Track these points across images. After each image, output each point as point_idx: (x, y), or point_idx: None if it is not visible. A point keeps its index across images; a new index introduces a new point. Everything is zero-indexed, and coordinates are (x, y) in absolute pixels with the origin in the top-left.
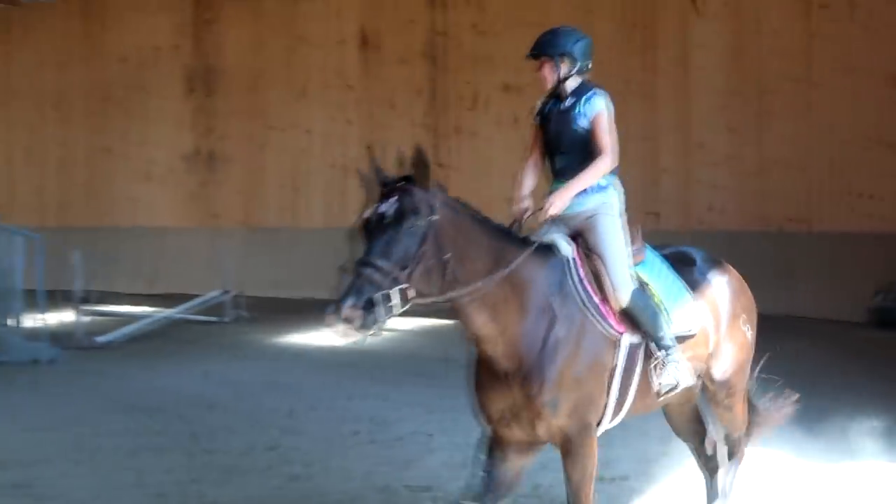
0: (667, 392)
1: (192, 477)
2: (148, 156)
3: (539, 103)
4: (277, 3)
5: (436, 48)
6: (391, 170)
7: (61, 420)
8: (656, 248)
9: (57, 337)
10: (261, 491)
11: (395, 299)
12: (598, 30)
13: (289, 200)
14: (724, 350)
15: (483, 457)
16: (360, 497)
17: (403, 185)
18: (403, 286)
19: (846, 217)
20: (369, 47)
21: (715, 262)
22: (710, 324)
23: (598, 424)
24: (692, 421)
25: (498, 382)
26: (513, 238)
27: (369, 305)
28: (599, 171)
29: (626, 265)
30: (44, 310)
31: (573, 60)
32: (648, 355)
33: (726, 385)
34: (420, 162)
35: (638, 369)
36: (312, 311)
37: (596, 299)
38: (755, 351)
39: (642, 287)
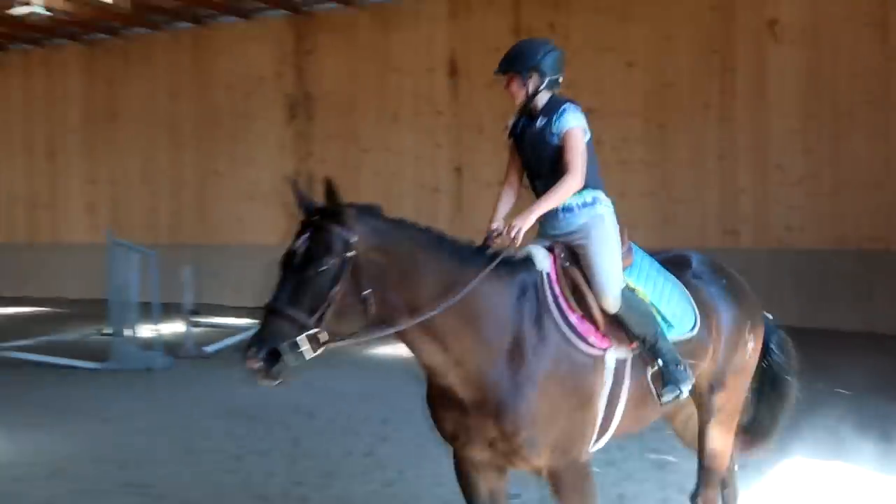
0: (672, 402)
1: (294, 480)
2: (252, 177)
3: (510, 121)
4: (371, 33)
5: None
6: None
7: (173, 424)
8: (651, 253)
9: (169, 347)
10: (358, 495)
11: (304, 346)
12: (677, 54)
13: None
14: (724, 358)
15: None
16: (451, 501)
17: (317, 221)
18: (312, 332)
19: None
20: (457, 74)
21: (713, 266)
22: (706, 328)
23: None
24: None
25: (454, 409)
26: (473, 259)
27: (274, 355)
28: (565, 191)
29: (617, 270)
30: (157, 321)
31: (542, 74)
32: (643, 365)
33: (722, 396)
34: (331, 194)
35: (626, 385)
36: None
37: (573, 317)
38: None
39: (632, 291)
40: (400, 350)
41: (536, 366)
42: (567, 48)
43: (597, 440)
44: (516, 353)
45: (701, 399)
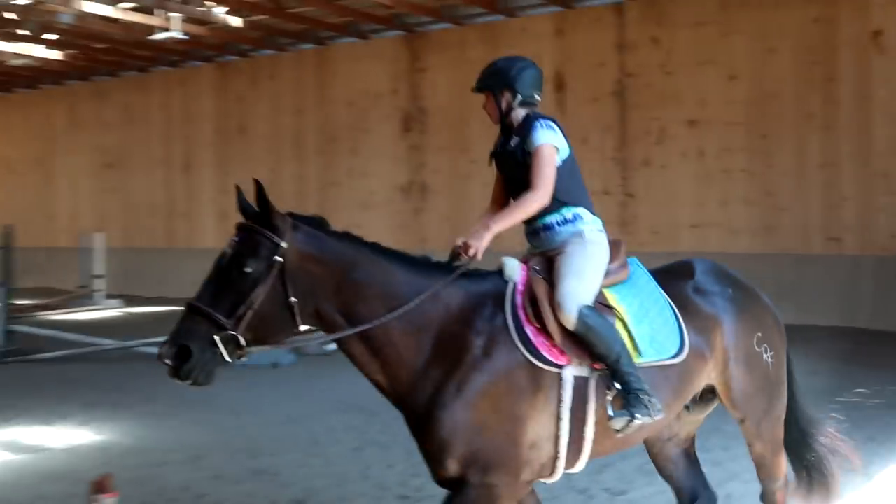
0: (623, 430)
1: (412, 472)
2: (369, 187)
3: (495, 143)
4: (480, 51)
5: (625, 88)
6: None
7: (298, 416)
8: (658, 267)
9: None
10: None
11: (220, 347)
12: (780, 66)
13: None
14: (735, 374)
15: None
16: (560, 496)
17: (249, 225)
18: (229, 334)
19: None
20: (563, 89)
21: (719, 275)
22: (706, 345)
23: (552, 473)
24: (679, 465)
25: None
26: (424, 273)
27: (185, 353)
28: (525, 208)
29: (583, 287)
30: None
31: (514, 92)
32: (605, 386)
33: (750, 415)
34: (261, 199)
35: (592, 405)
36: None
37: (528, 329)
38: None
39: (606, 309)
40: None
41: (475, 374)
42: (670, 62)
43: (573, 462)
44: (457, 360)
45: (735, 416)
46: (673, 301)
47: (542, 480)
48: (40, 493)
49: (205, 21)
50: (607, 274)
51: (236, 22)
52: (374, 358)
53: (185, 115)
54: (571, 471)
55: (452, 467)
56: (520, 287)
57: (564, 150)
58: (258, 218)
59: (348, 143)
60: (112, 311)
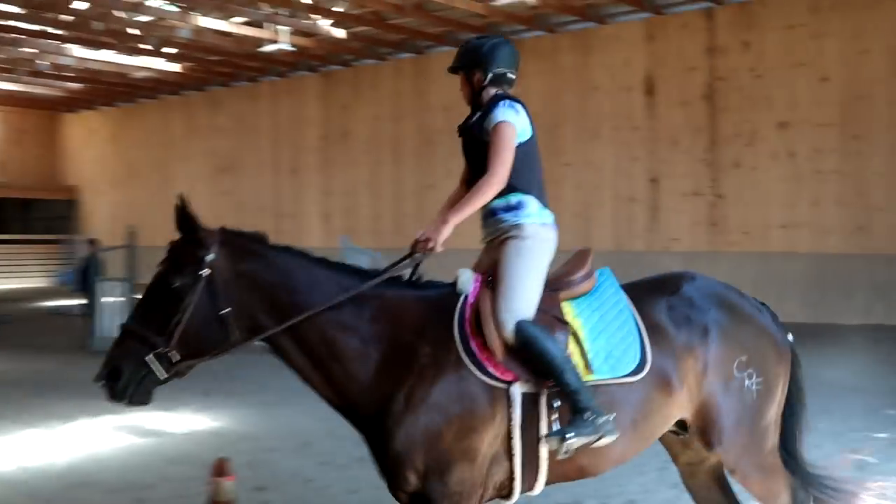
0: (560, 451)
1: None
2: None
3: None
4: (572, 57)
5: (715, 91)
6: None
7: None
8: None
9: None
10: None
11: (154, 366)
12: (872, 66)
13: (582, 227)
14: (709, 402)
15: None
16: (653, 490)
17: (176, 241)
18: (161, 351)
19: None
20: (654, 92)
21: (704, 293)
22: (673, 368)
23: (509, 494)
24: (710, 489)
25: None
26: (357, 282)
27: (115, 374)
28: (482, 194)
29: (520, 296)
30: None
31: (484, 71)
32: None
33: (729, 449)
34: (183, 214)
35: (545, 423)
36: None
37: (473, 344)
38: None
39: (558, 323)
40: None
41: (426, 386)
42: (761, 65)
43: (530, 483)
44: (407, 372)
45: (711, 451)
46: (643, 318)
47: (501, 502)
48: (164, 475)
49: (311, 33)
50: (569, 285)
51: (340, 34)
52: (318, 370)
53: (291, 122)
54: (530, 493)
55: (412, 479)
56: (470, 300)
57: (525, 133)
58: (186, 234)
59: (444, 147)
60: None
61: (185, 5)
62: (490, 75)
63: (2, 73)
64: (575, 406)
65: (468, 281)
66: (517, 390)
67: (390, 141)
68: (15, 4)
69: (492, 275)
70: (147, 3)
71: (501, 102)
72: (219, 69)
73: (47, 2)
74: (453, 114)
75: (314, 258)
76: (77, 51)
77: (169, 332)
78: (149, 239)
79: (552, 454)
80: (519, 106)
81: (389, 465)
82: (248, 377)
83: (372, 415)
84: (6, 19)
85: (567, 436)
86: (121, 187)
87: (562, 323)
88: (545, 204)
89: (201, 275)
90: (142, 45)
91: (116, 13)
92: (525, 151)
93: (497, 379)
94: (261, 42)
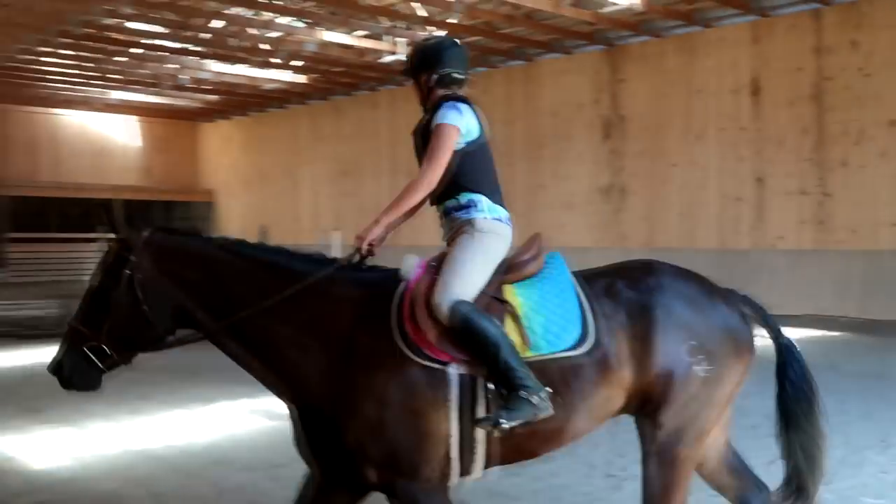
0: (494, 429)
1: (618, 452)
2: (571, 189)
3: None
4: (677, 61)
5: (822, 91)
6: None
7: None
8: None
9: None
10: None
11: (92, 357)
12: None
13: (687, 226)
14: (657, 382)
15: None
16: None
17: (108, 242)
18: (92, 344)
19: None
20: (760, 93)
21: (659, 278)
22: (612, 345)
23: (446, 478)
24: (724, 472)
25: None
26: (303, 271)
27: (59, 367)
28: (410, 194)
29: (462, 279)
30: None
31: (430, 73)
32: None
33: (662, 425)
34: (109, 216)
35: (483, 405)
36: None
37: (408, 326)
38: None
39: (497, 303)
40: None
41: (367, 374)
42: (869, 65)
43: (469, 467)
44: (350, 362)
45: (641, 428)
46: (586, 298)
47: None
48: (295, 455)
49: None
50: (516, 267)
51: None
52: (257, 360)
53: (409, 128)
54: (469, 478)
55: (371, 475)
56: (411, 285)
57: (472, 133)
58: (115, 234)
59: (553, 149)
60: None
61: (311, 21)
62: (436, 77)
63: (148, 87)
64: (511, 384)
65: (411, 267)
66: (454, 371)
67: (501, 144)
68: (159, 24)
69: (438, 261)
70: (277, 20)
71: (445, 104)
72: (341, 80)
73: (188, 22)
74: (560, 118)
75: (260, 251)
76: (214, 66)
77: (99, 328)
78: (279, 236)
79: (489, 436)
80: (464, 106)
81: (346, 461)
82: None
83: (316, 408)
84: (152, 38)
85: (500, 420)
86: (253, 190)
87: (500, 302)
88: (498, 202)
89: (127, 274)
90: (272, 59)
91: (249, 30)
92: (472, 151)
93: (433, 360)
94: (380, 54)
